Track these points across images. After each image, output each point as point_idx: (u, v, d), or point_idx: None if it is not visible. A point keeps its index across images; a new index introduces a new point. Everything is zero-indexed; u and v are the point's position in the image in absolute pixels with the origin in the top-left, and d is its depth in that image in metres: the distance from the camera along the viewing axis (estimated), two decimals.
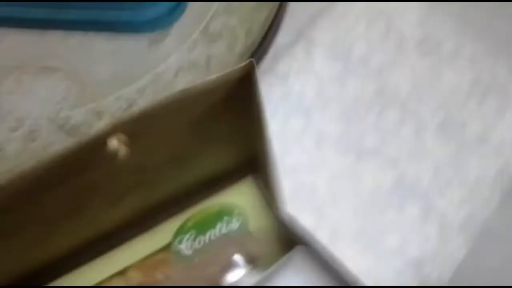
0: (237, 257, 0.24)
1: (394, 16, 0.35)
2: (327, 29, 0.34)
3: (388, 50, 0.34)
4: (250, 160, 0.26)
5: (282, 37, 0.35)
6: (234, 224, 0.25)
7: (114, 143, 0.16)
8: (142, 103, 0.29)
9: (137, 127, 0.16)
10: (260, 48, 0.32)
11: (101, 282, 0.23)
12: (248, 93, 0.16)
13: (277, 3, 0.32)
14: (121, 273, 0.23)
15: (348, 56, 0.34)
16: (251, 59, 0.16)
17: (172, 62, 0.30)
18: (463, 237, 0.30)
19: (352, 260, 0.29)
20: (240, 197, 0.26)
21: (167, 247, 0.24)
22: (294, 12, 0.36)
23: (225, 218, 0.25)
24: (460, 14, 0.36)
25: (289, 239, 0.25)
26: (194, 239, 0.24)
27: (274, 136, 0.32)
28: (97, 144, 0.16)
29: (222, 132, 0.20)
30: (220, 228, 0.24)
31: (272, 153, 0.22)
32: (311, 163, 0.32)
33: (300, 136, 0.32)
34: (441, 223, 0.30)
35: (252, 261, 0.23)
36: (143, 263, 0.23)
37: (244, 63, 0.17)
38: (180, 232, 0.24)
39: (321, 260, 0.23)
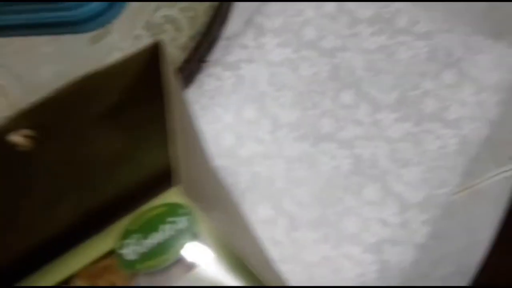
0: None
1: None
2: (275, 14, 0.33)
3: (340, 31, 0.33)
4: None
5: (231, 27, 0.34)
6: (181, 224, 0.24)
7: (17, 138, 0.15)
8: None
9: (43, 118, 0.16)
10: (205, 38, 0.31)
11: None
12: (157, 75, 0.15)
13: None
14: (65, 282, 0.22)
15: (299, 40, 0.33)
16: (158, 38, 0.16)
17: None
18: (423, 219, 0.29)
19: (312, 248, 0.29)
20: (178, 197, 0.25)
21: (110, 253, 0.23)
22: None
23: (169, 219, 0.24)
24: None
25: None
26: (138, 243, 0.23)
27: (229, 128, 0.32)
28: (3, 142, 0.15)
29: (149, 128, 0.19)
30: (165, 231, 0.23)
31: (199, 150, 0.21)
32: (267, 153, 0.31)
33: (255, 126, 0.32)
34: (400, 205, 0.29)
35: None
36: (87, 271, 0.22)
37: (149, 43, 0.16)
38: (123, 236, 0.24)
39: None
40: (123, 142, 0.21)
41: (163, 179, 0.24)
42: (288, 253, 0.29)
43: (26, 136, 0.16)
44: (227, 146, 0.31)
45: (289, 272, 0.28)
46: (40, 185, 0.20)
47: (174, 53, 0.30)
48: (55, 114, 0.17)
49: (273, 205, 0.30)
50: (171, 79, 0.16)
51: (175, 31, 0.30)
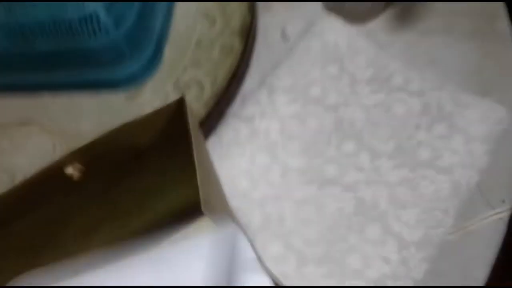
0: None
1: (345, 60, 0.39)
2: (286, 76, 0.38)
3: (342, 89, 0.38)
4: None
5: (247, 86, 0.40)
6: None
7: (69, 169, 0.20)
8: None
9: (90, 156, 0.20)
10: (225, 95, 0.36)
11: None
12: (182, 125, 0.19)
13: (238, 56, 0.37)
14: None
15: (306, 97, 0.38)
16: (182, 96, 0.20)
17: None
18: (420, 256, 0.32)
19: (318, 283, 0.31)
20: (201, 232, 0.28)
21: None
22: (258, 63, 0.41)
23: None
24: (406, 52, 0.40)
25: None
26: None
27: (243, 173, 0.36)
28: (55, 170, 0.19)
29: (175, 168, 0.23)
30: None
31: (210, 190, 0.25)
32: (277, 195, 0.35)
33: (267, 171, 0.35)
34: (399, 243, 0.32)
35: None
36: None
37: (174, 100, 0.20)
38: None
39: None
40: (152, 180, 0.25)
41: (186, 214, 0.28)
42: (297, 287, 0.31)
43: (77, 169, 0.20)
44: (242, 189, 0.35)
45: None
46: (80, 214, 0.24)
47: (198, 108, 0.34)
48: (99, 154, 0.21)
49: (283, 243, 0.33)
50: (194, 127, 0.20)
51: (199, 90, 0.35)
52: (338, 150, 0.36)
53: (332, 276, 0.31)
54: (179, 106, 0.20)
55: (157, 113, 0.20)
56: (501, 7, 0.41)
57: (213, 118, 0.37)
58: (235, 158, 0.35)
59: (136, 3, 0.33)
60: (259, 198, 0.35)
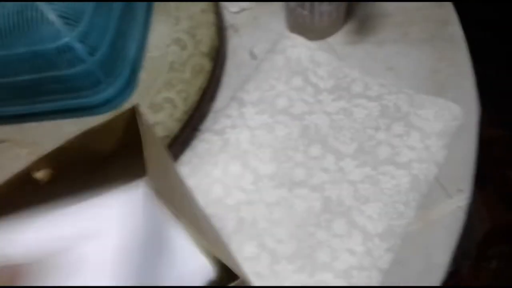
0: None
1: (308, 72, 0.42)
2: (253, 90, 0.41)
3: (307, 99, 0.41)
4: None
5: (219, 102, 0.43)
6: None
7: (39, 174, 0.22)
8: None
9: (58, 159, 0.22)
10: (197, 112, 0.39)
11: None
12: (137, 133, 0.22)
13: (208, 76, 0.40)
14: None
15: (274, 108, 0.41)
16: (136, 104, 0.23)
17: None
18: (385, 247, 0.33)
19: (291, 278, 0.33)
20: None
21: None
22: (228, 81, 0.44)
23: None
24: (364, 61, 0.43)
25: None
26: None
27: (217, 182, 0.38)
28: (24, 176, 0.22)
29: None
30: None
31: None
32: (250, 200, 0.37)
33: (239, 179, 0.38)
34: (364, 236, 0.34)
35: None
36: None
37: (127, 108, 0.23)
38: None
39: None
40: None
41: None
42: (270, 285, 0.33)
43: (46, 174, 0.23)
44: (216, 196, 0.37)
45: None
46: None
47: (172, 125, 0.37)
48: (67, 159, 0.23)
49: (257, 243, 0.35)
50: (146, 131, 0.23)
51: (172, 108, 0.38)
52: (305, 155, 0.38)
53: (303, 270, 0.33)
54: (132, 113, 0.23)
55: (113, 120, 0.23)
56: (452, 13, 0.45)
57: (187, 133, 0.39)
58: (209, 168, 0.38)
59: (109, 33, 0.36)
60: (233, 204, 0.37)
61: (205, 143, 0.39)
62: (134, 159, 0.23)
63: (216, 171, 0.38)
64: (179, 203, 0.24)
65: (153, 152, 0.22)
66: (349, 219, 0.35)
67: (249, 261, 0.34)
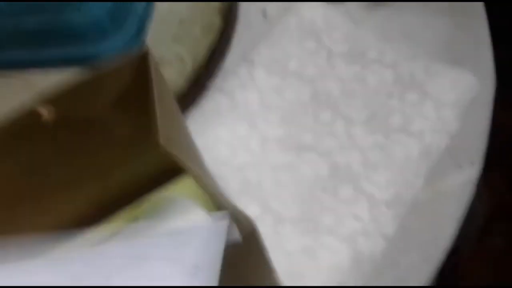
0: None
1: (322, 35, 0.41)
2: (265, 51, 0.40)
3: (319, 63, 0.40)
4: None
5: (229, 61, 0.41)
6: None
7: (43, 111, 0.21)
8: None
9: (63, 102, 0.21)
10: (206, 70, 0.38)
11: None
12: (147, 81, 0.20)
13: (219, 34, 0.39)
14: None
15: (284, 71, 0.39)
16: (146, 45, 0.21)
17: None
18: (391, 214, 0.33)
19: (293, 240, 0.33)
20: (187, 188, 0.30)
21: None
22: (239, 40, 0.42)
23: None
24: (381, 27, 0.41)
25: None
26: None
27: (223, 142, 0.37)
28: (27, 114, 0.21)
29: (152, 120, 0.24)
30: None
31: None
32: (256, 162, 0.36)
33: (246, 140, 0.37)
34: (370, 203, 0.33)
35: None
36: None
37: (138, 54, 0.22)
38: (132, 219, 0.28)
39: None
40: (130, 133, 0.26)
41: (171, 170, 0.29)
42: (272, 245, 0.33)
43: (51, 112, 0.22)
44: (222, 157, 0.37)
45: (273, 261, 0.32)
46: (60, 164, 0.25)
47: (180, 82, 0.36)
48: (71, 102, 0.22)
49: (261, 205, 0.35)
50: (156, 74, 0.21)
51: (181, 65, 0.37)
52: (315, 120, 0.38)
53: (306, 233, 0.33)
54: (144, 60, 0.22)
55: (122, 65, 0.22)
56: None
57: (194, 91, 0.38)
58: (216, 128, 0.37)
59: None
60: (238, 165, 0.36)
61: (212, 102, 0.38)
62: (143, 110, 0.22)
63: (222, 131, 0.37)
64: (191, 157, 0.23)
65: (164, 104, 0.21)
66: (356, 185, 0.34)
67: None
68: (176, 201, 0.27)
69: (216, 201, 0.22)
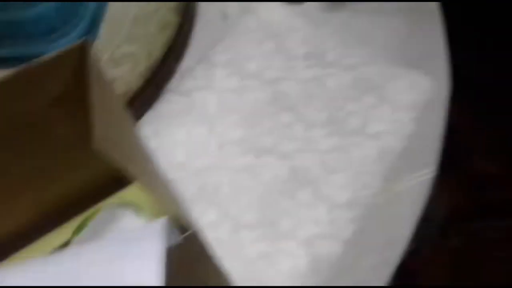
0: None
1: (282, 37, 0.40)
2: (223, 52, 0.39)
3: (278, 65, 0.39)
4: None
5: (187, 62, 0.40)
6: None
7: None
8: None
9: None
10: (161, 70, 0.37)
11: None
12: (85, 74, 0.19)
13: (175, 32, 0.37)
14: None
15: (243, 72, 0.39)
16: (85, 38, 0.20)
17: None
18: (349, 217, 0.33)
19: (252, 246, 0.32)
20: (135, 195, 0.29)
21: (66, 245, 0.26)
22: (198, 41, 0.41)
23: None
24: (340, 30, 0.41)
25: None
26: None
27: (180, 145, 0.36)
28: None
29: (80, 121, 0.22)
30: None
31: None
32: (214, 166, 0.35)
33: (204, 143, 0.36)
34: (329, 205, 0.33)
35: None
36: None
37: (76, 45, 0.20)
38: (79, 228, 0.27)
39: None
40: (71, 134, 0.24)
41: (119, 178, 0.28)
42: (231, 252, 0.32)
43: None
44: (178, 160, 0.35)
45: (230, 268, 0.31)
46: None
47: (133, 79, 0.35)
48: (4, 98, 0.20)
49: (219, 210, 0.34)
50: (94, 71, 0.20)
51: (134, 63, 0.36)
52: (274, 122, 0.37)
53: (265, 238, 0.32)
54: (83, 49, 0.20)
55: (60, 56, 0.20)
56: None
57: (150, 92, 0.37)
58: (172, 131, 0.36)
59: None
60: (196, 168, 0.35)
61: (169, 104, 0.37)
62: (82, 110, 0.20)
63: (180, 134, 0.36)
64: (135, 160, 0.22)
65: (103, 99, 0.20)
66: (315, 188, 0.34)
67: (209, 227, 0.33)
68: (122, 209, 0.26)
69: (160, 206, 0.21)
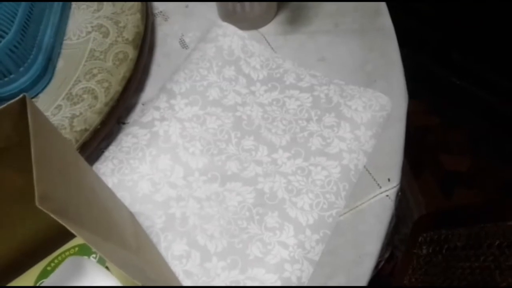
0: None
1: (241, 62, 0.41)
2: (184, 81, 0.40)
3: (239, 90, 0.40)
4: None
5: (148, 94, 0.40)
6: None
7: None
8: None
9: None
10: (121, 103, 0.36)
11: None
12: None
13: (132, 65, 0.37)
14: None
15: (205, 100, 0.39)
16: (24, 94, 0.20)
17: None
18: (316, 238, 0.33)
19: (222, 275, 0.32)
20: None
21: None
22: (158, 72, 0.42)
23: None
24: (297, 52, 0.42)
25: None
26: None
27: (145, 178, 0.36)
28: None
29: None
30: None
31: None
32: (180, 196, 0.35)
33: (169, 174, 0.36)
34: (296, 228, 0.34)
35: None
36: None
37: (16, 99, 0.20)
38: (41, 276, 0.26)
39: None
40: (20, 187, 0.24)
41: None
42: (201, 283, 0.32)
43: None
44: (144, 193, 0.35)
45: None
46: None
47: (91, 117, 0.35)
48: None
49: (187, 241, 0.33)
50: (39, 126, 0.20)
51: (93, 99, 0.35)
52: (238, 147, 0.37)
53: (234, 266, 0.32)
54: (22, 105, 0.20)
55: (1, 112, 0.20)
56: (382, 4, 0.46)
57: (110, 126, 0.37)
58: (136, 164, 0.36)
59: (18, 17, 0.33)
60: (162, 200, 0.35)
61: (131, 137, 0.37)
62: (27, 163, 0.20)
63: (143, 166, 0.36)
64: (81, 210, 0.22)
65: (47, 152, 0.19)
66: (282, 211, 0.34)
67: (178, 260, 0.33)
68: (78, 258, 0.25)
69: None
